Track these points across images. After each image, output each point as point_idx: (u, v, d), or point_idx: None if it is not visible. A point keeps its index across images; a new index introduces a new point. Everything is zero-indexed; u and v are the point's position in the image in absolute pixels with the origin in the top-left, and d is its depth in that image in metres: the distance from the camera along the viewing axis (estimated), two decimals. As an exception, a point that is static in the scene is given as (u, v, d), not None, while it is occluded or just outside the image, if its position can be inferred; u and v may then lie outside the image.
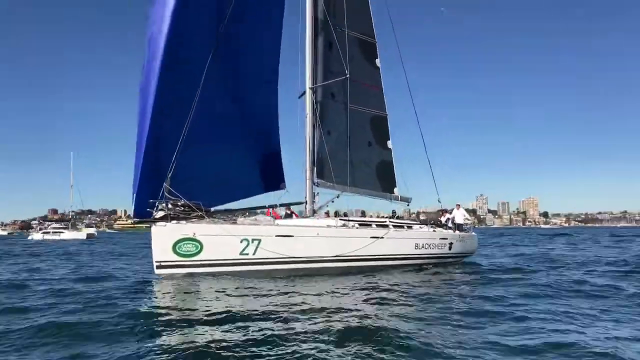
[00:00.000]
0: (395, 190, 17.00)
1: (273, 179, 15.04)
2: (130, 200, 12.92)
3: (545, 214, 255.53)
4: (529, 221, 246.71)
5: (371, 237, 13.21)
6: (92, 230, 68.73)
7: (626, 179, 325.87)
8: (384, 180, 16.81)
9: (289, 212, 14.78)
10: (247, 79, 13.94)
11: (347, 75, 14.67)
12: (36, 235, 60.08)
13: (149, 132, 11.73)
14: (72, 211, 71.38)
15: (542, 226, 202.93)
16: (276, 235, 11.93)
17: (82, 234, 60.69)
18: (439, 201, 17.86)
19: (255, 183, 14.68)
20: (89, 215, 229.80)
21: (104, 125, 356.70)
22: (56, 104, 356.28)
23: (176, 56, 11.94)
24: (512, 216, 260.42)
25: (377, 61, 16.61)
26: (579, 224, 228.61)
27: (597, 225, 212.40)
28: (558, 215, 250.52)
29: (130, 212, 12.73)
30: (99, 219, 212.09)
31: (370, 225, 13.98)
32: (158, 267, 10.91)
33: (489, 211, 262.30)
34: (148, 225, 11.31)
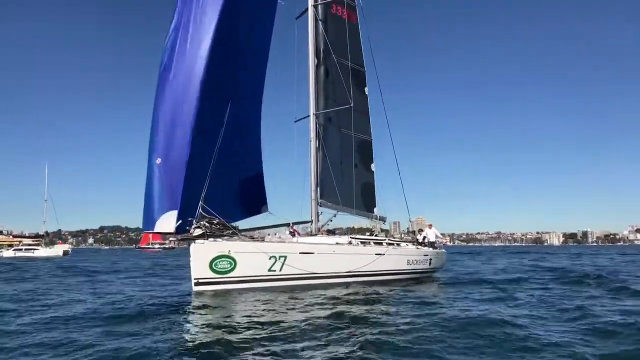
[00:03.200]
0: (375, 209, 18.24)
1: (257, 203, 15.03)
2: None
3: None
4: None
5: (376, 254, 14.13)
6: (67, 247, 65.43)
7: (499, 202, 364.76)
8: (367, 200, 17.95)
9: (291, 230, 15.07)
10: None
11: (352, 104, 15.60)
12: (7, 253, 53.92)
13: (190, 154, 11.80)
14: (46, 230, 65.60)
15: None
16: (300, 252, 12.33)
17: (58, 250, 57.01)
18: (410, 221, 19.36)
19: (239, 208, 14.55)
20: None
21: None
22: None
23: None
24: (402, 235, 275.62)
25: (366, 89, 17.77)
26: (462, 243, 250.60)
27: (477, 244, 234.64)
28: (443, 234, 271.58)
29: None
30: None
31: (369, 243, 14.88)
32: (196, 284, 10.74)
33: (382, 230, 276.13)
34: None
